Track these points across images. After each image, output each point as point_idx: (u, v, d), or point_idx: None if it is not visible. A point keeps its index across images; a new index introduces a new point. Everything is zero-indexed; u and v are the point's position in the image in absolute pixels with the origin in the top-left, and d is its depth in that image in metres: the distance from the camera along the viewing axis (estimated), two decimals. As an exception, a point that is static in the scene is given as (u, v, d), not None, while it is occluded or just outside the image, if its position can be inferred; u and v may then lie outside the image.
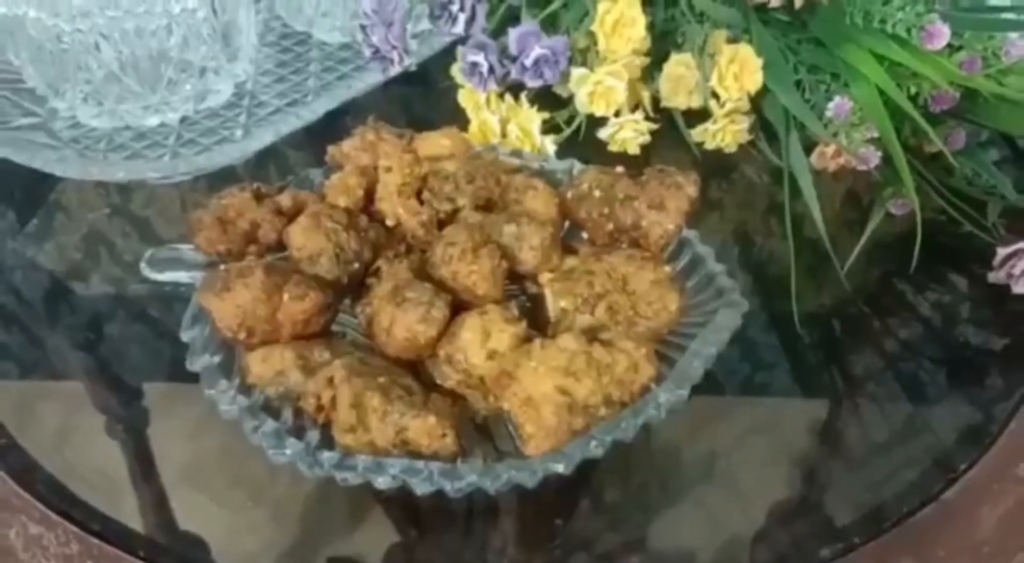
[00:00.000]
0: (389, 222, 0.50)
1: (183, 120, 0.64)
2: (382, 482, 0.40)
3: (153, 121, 0.63)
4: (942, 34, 0.49)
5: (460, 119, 0.64)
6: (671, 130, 0.65)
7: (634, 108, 0.65)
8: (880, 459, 0.46)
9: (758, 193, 0.63)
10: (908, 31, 0.50)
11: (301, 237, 0.48)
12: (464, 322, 0.44)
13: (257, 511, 0.45)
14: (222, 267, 0.47)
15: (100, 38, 0.57)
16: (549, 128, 0.63)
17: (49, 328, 0.54)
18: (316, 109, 0.63)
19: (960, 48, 0.52)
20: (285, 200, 0.50)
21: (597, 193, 0.51)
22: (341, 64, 0.71)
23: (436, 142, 0.54)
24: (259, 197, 0.50)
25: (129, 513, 0.44)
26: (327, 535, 0.44)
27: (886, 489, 0.44)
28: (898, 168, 0.52)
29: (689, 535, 0.44)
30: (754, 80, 0.58)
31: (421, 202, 0.50)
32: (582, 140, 0.64)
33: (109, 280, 0.57)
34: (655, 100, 0.65)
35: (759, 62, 0.58)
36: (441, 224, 0.50)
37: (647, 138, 0.63)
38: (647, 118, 0.64)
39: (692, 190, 0.49)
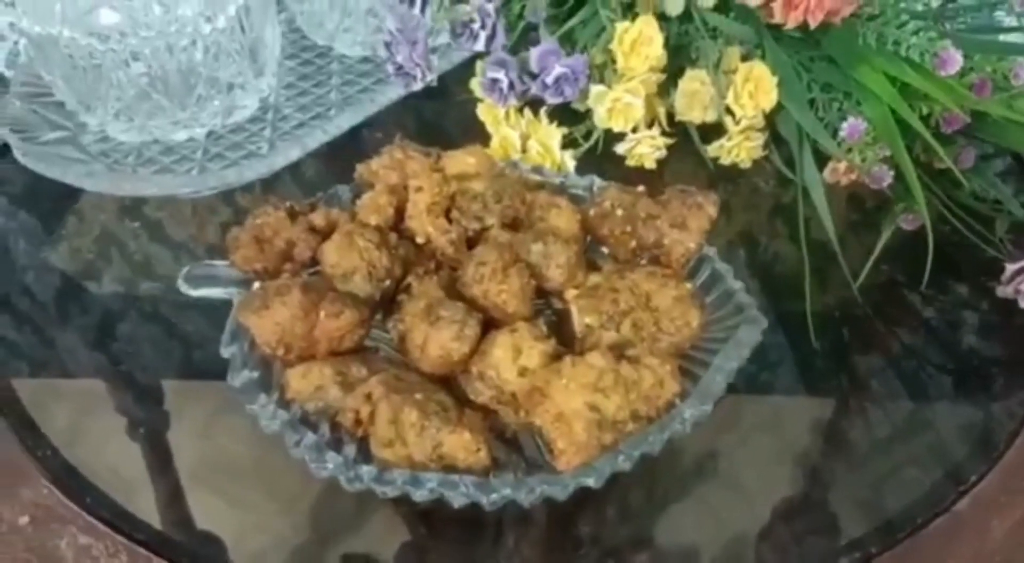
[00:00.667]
0: (419, 240, 0.51)
1: (210, 134, 0.65)
2: (419, 496, 0.42)
3: (181, 136, 0.64)
4: (955, 61, 0.50)
5: (479, 132, 0.66)
6: (686, 143, 0.67)
7: (650, 122, 0.66)
8: (890, 470, 0.48)
9: (772, 206, 0.65)
10: (921, 55, 0.52)
11: (335, 255, 0.49)
12: (495, 340, 0.45)
13: (287, 517, 0.46)
14: (260, 285, 0.49)
15: (131, 56, 0.58)
16: (568, 142, 0.65)
17: (66, 329, 0.56)
18: (341, 124, 0.64)
19: (971, 70, 0.54)
20: (318, 218, 0.51)
21: (619, 212, 0.53)
22: (362, 77, 0.72)
23: (462, 160, 0.56)
24: (292, 215, 0.52)
25: (174, 522, 0.45)
26: (340, 532, 0.46)
27: (898, 501, 0.46)
28: (910, 186, 0.54)
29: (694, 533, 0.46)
30: (769, 98, 0.60)
31: (450, 220, 0.52)
32: (600, 154, 0.65)
33: (135, 285, 0.58)
34: (670, 114, 0.67)
35: (774, 80, 0.60)
36: (469, 242, 0.52)
37: (663, 153, 0.65)
38: (663, 133, 0.65)
39: (712, 210, 0.51)
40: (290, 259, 0.50)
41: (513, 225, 0.52)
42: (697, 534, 0.46)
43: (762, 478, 0.48)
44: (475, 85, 0.67)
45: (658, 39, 0.62)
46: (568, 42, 0.67)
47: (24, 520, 0.43)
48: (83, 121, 0.65)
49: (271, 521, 0.46)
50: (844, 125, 0.55)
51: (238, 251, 0.50)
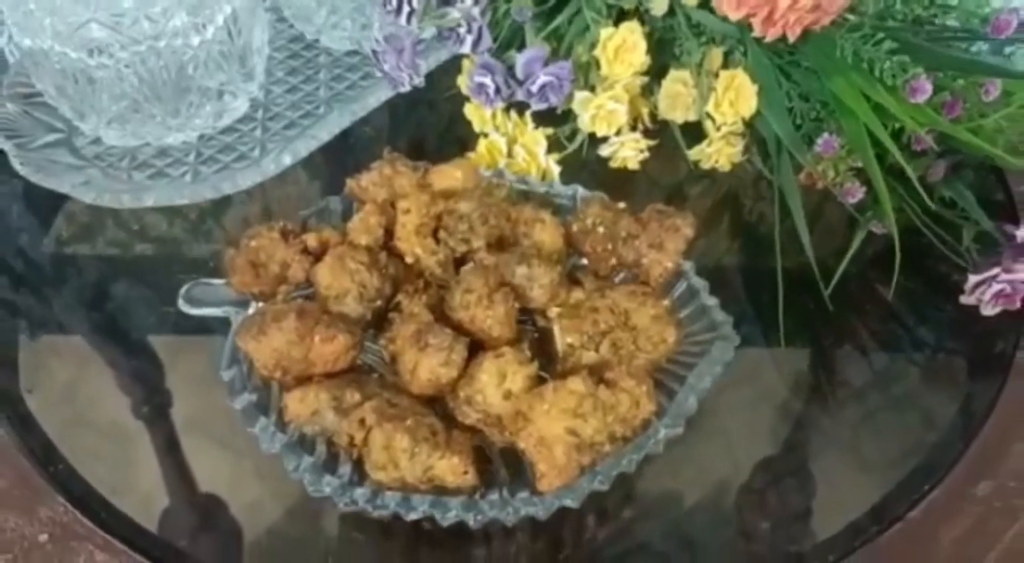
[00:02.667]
0: (408, 260, 0.54)
1: (201, 136, 0.67)
2: (411, 516, 0.45)
3: (174, 140, 0.65)
4: (925, 90, 0.52)
5: (467, 128, 0.67)
6: (669, 140, 0.68)
7: (634, 121, 0.68)
8: (846, 480, 0.52)
9: (750, 206, 0.67)
10: (893, 77, 0.53)
11: (328, 277, 0.52)
12: (482, 365, 0.48)
13: (302, 537, 0.49)
14: (257, 310, 0.52)
15: (123, 68, 0.59)
16: (553, 143, 0.66)
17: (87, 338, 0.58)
18: (331, 129, 0.66)
19: (942, 89, 0.55)
20: (311, 240, 0.53)
21: (601, 230, 0.55)
22: (350, 71, 0.73)
23: (449, 175, 0.57)
24: (285, 234, 0.54)
25: (191, 540, 0.49)
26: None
27: (854, 509, 0.50)
28: (880, 200, 0.56)
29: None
30: (749, 106, 0.61)
31: (437, 240, 0.54)
32: (585, 155, 0.67)
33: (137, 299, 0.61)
34: (652, 114, 0.68)
35: (754, 89, 0.61)
36: (456, 261, 0.54)
37: (647, 155, 0.66)
38: (646, 132, 0.67)
39: (689, 231, 0.53)
40: (285, 281, 0.53)
41: (499, 243, 0.55)
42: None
43: (709, 489, 0.51)
44: (461, 83, 0.69)
45: (641, 46, 0.63)
46: (554, 38, 0.68)
47: (43, 538, 0.47)
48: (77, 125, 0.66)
49: (288, 539, 0.49)
50: (819, 140, 0.57)
51: (235, 275, 0.52)
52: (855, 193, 0.57)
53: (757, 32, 0.58)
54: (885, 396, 0.56)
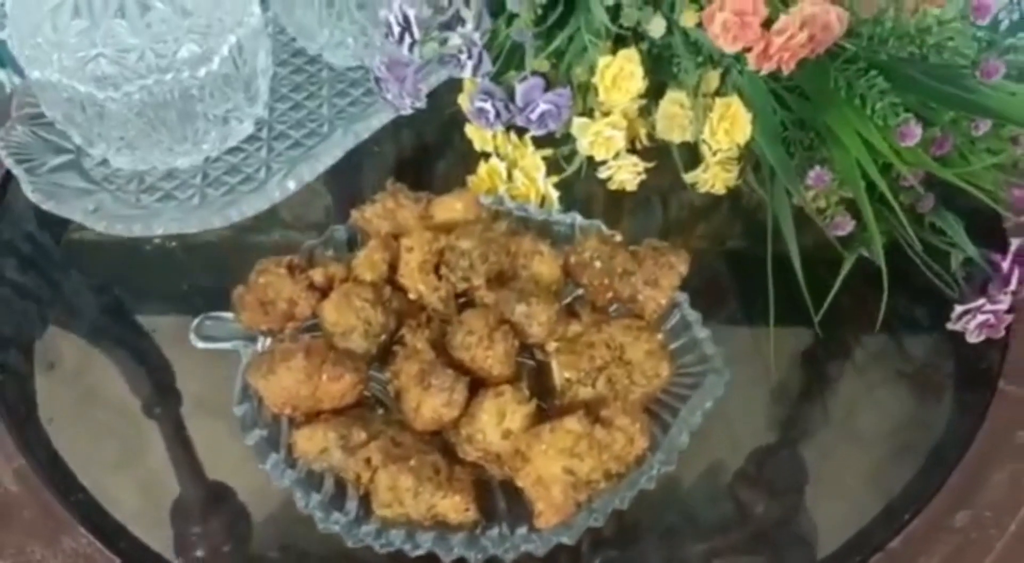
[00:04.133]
0: (411, 295, 0.55)
1: (206, 158, 0.68)
2: (415, 553, 0.48)
3: (181, 163, 0.67)
4: (914, 135, 0.53)
5: (468, 143, 0.69)
6: (667, 157, 0.69)
7: (632, 141, 0.69)
8: (826, 508, 0.54)
9: (744, 227, 0.68)
10: (884, 118, 0.54)
11: (334, 314, 0.54)
12: (482, 404, 0.50)
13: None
14: (266, 348, 0.54)
15: (131, 100, 0.60)
16: (551, 163, 0.68)
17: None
18: (335, 152, 0.67)
19: (932, 125, 0.56)
20: (317, 276, 0.55)
21: (598, 264, 0.57)
22: (352, 87, 0.74)
23: (450, 206, 0.59)
24: (292, 269, 0.56)
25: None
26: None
27: (835, 539, 0.52)
28: (869, 231, 0.58)
29: None
30: (743, 133, 0.63)
31: (439, 276, 0.55)
32: (584, 176, 0.68)
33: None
34: (650, 134, 0.69)
35: (748, 117, 0.62)
36: (457, 297, 0.56)
37: (644, 176, 0.68)
38: (645, 151, 0.68)
39: (683, 268, 0.55)
40: (292, 318, 0.55)
41: (499, 277, 0.56)
42: None
43: (692, 515, 0.54)
44: (463, 101, 0.70)
45: (639, 73, 0.64)
46: (555, 56, 0.69)
47: (67, 569, 0.49)
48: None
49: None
50: (810, 172, 0.58)
51: (244, 312, 0.54)
52: (844, 226, 0.58)
53: (752, 66, 0.59)
54: (868, 423, 0.58)
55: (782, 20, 0.57)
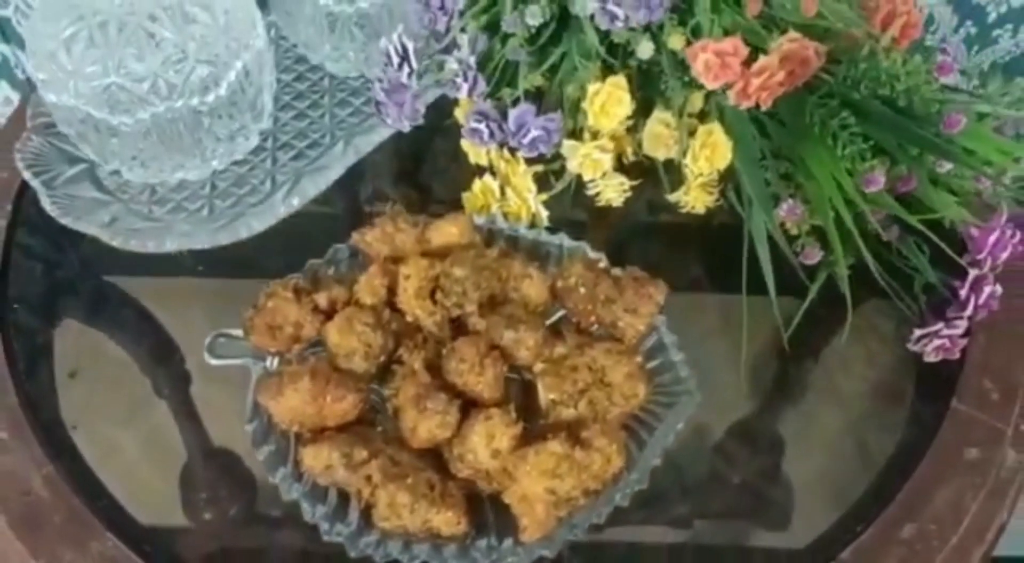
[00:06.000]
0: (409, 319, 0.60)
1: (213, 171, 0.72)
2: (410, 562, 0.53)
3: (190, 176, 0.70)
4: (878, 183, 0.56)
5: (463, 157, 0.72)
6: (650, 174, 0.73)
7: (619, 158, 0.72)
8: (780, 521, 0.59)
9: (722, 244, 0.72)
10: (852, 161, 0.58)
11: (337, 337, 0.58)
12: (473, 427, 0.55)
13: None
14: (274, 369, 0.58)
15: (143, 124, 0.64)
16: (542, 177, 0.71)
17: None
18: (338, 168, 0.70)
19: (898, 163, 0.60)
20: (321, 300, 0.59)
21: (582, 290, 0.61)
22: (353, 96, 0.77)
23: (446, 231, 0.63)
24: (298, 293, 0.60)
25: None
26: None
27: (791, 546, 0.57)
28: (836, 259, 0.62)
29: None
30: (724, 159, 0.66)
31: (435, 301, 0.60)
32: (574, 192, 0.72)
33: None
34: (636, 151, 0.73)
35: (729, 144, 0.66)
36: (451, 321, 0.60)
37: (630, 193, 0.71)
38: (632, 166, 0.72)
39: (661, 298, 0.60)
40: (298, 340, 0.59)
41: (491, 300, 0.61)
42: None
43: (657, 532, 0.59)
44: (459, 114, 0.73)
45: (626, 99, 0.67)
46: (548, 72, 0.72)
47: (97, 571, 0.55)
48: (98, 158, 0.71)
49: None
50: (783, 204, 0.62)
51: (254, 335, 0.59)
52: (813, 256, 0.62)
53: (732, 101, 0.62)
54: (827, 437, 0.63)
55: (762, 61, 0.60)
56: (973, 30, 1.11)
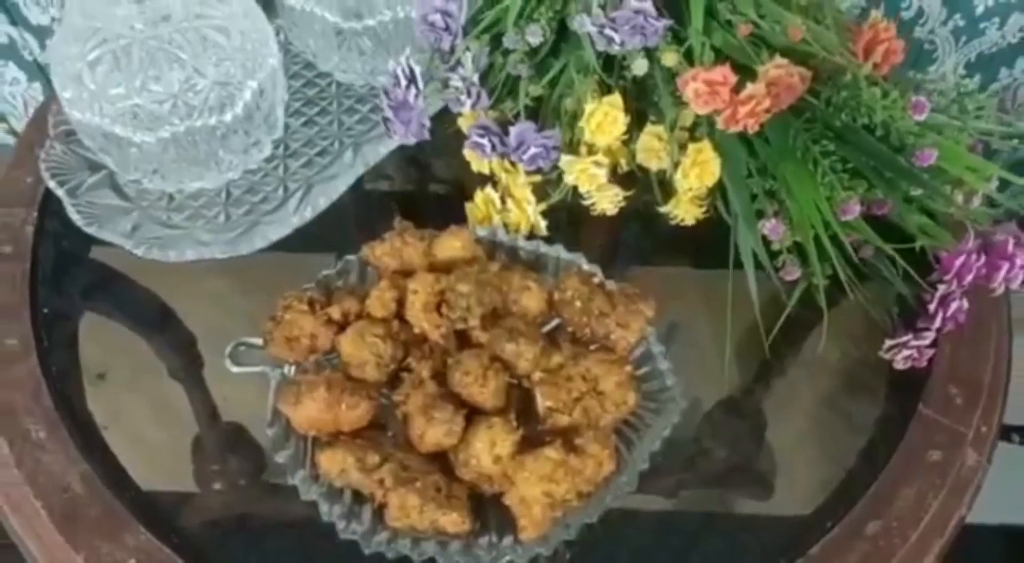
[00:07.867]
0: (416, 331, 0.64)
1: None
2: (420, 558, 0.58)
3: (208, 185, 0.74)
4: (853, 211, 0.61)
5: (466, 166, 0.76)
6: (642, 183, 0.77)
7: (613, 168, 0.76)
8: (749, 519, 0.64)
9: (711, 255, 0.77)
10: (832, 189, 0.62)
11: (349, 348, 0.63)
12: (477, 434, 0.60)
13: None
14: (292, 378, 0.63)
15: (163, 141, 0.67)
16: (540, 186, 0.75)
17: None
18: (347, 179, 0.74)
19: (874, 187, 0.64)
20: (334, 312, 0.64)
21: (578, 304, 0.65)
22: (359, 103, 0.81)
23: (450, 245, 0.67)
24: (312, 305, 0.64)
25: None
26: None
27: (760, 543, 0.63)
28: (815, 275, 0.66)
29: None
30: (712, 176, 0.70)
31: (441, 314, 0.64)
32: (571, 201, 0.76)
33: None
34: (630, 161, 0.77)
35: (718, 161, 0.69)
36: (456, 332, 0.65)
37: (623, 203, 0.76)
38: (627, 175, 0.76)
39: (650, 313, 0.64)
40: (314, 351, 0.63)
41: (493, 313, 0.65)
42: None
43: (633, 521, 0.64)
44: (463, 124, 0.76)
45: (622, 118, 0.71)
46: (550, 85, 0.76)
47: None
48: (118, 165, 0.74)
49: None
50: (767, 223, 0.66)
51: (272, 346, 0.63)
52: (793, 273, 0.67)
53: (720, 126, 0.66)
54: (802, 438, 0.68)
55: (749, 89, 0.64)
56: (961, 23, 1.14)
